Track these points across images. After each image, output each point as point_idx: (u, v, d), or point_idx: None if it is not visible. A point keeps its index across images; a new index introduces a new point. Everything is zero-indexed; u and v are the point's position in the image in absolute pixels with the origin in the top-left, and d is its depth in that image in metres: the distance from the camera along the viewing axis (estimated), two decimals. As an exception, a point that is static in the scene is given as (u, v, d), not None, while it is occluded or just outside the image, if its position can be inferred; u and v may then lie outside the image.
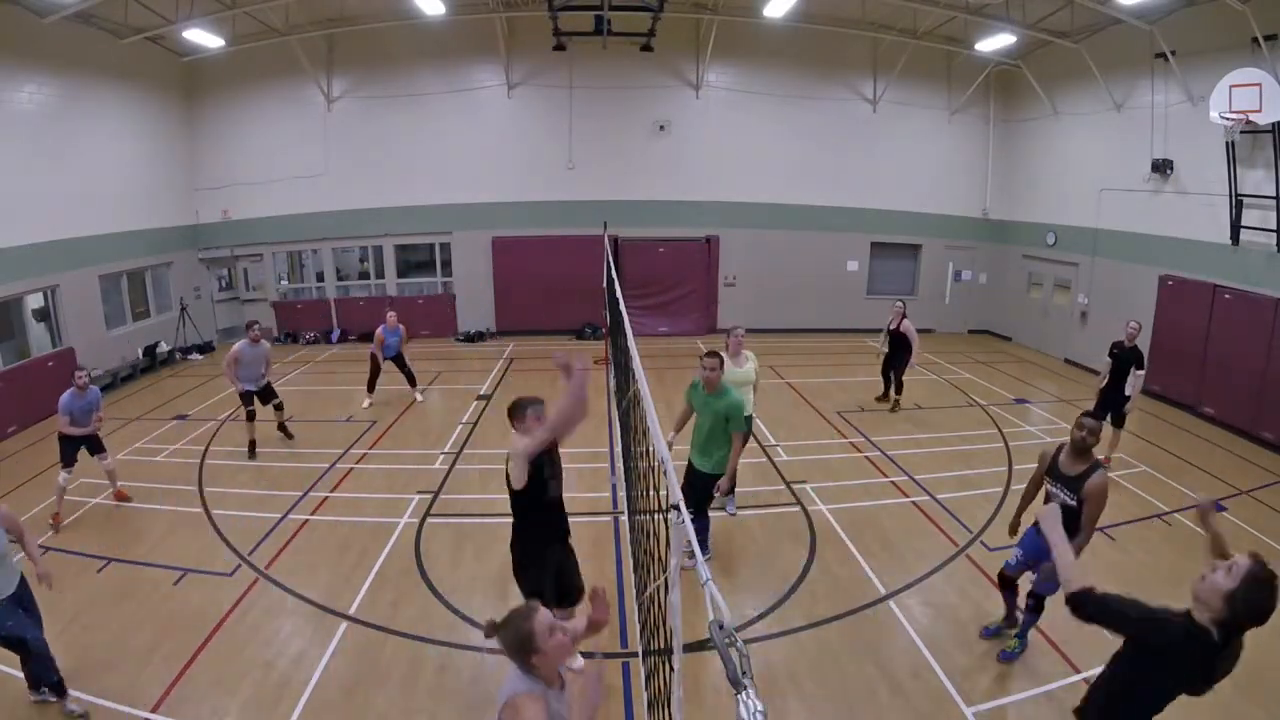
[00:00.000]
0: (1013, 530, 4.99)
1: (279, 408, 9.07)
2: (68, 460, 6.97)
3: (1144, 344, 11.44)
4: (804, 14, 13.15)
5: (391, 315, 10.63)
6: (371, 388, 10.69)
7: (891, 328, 10.31)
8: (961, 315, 16.38)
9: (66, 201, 11.21)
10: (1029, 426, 9.99)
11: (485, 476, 7.90)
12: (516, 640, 2.52)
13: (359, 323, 15.23)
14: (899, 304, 10.50)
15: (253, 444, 8.68)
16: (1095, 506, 4.22)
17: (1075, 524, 4.17)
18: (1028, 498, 4.84)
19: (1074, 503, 4.26)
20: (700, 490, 5.59)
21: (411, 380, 10.94)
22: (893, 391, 10.53)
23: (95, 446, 7.16)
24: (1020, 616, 4.94)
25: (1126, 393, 8.01)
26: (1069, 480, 4.34)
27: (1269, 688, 4.62)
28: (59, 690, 4.38)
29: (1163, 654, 2.70)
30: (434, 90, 14.57)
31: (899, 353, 10.28)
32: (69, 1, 10.02)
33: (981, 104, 15.47)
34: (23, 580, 4.34)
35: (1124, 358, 8.03)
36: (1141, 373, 8.01)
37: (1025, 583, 4.89)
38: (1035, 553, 4.62)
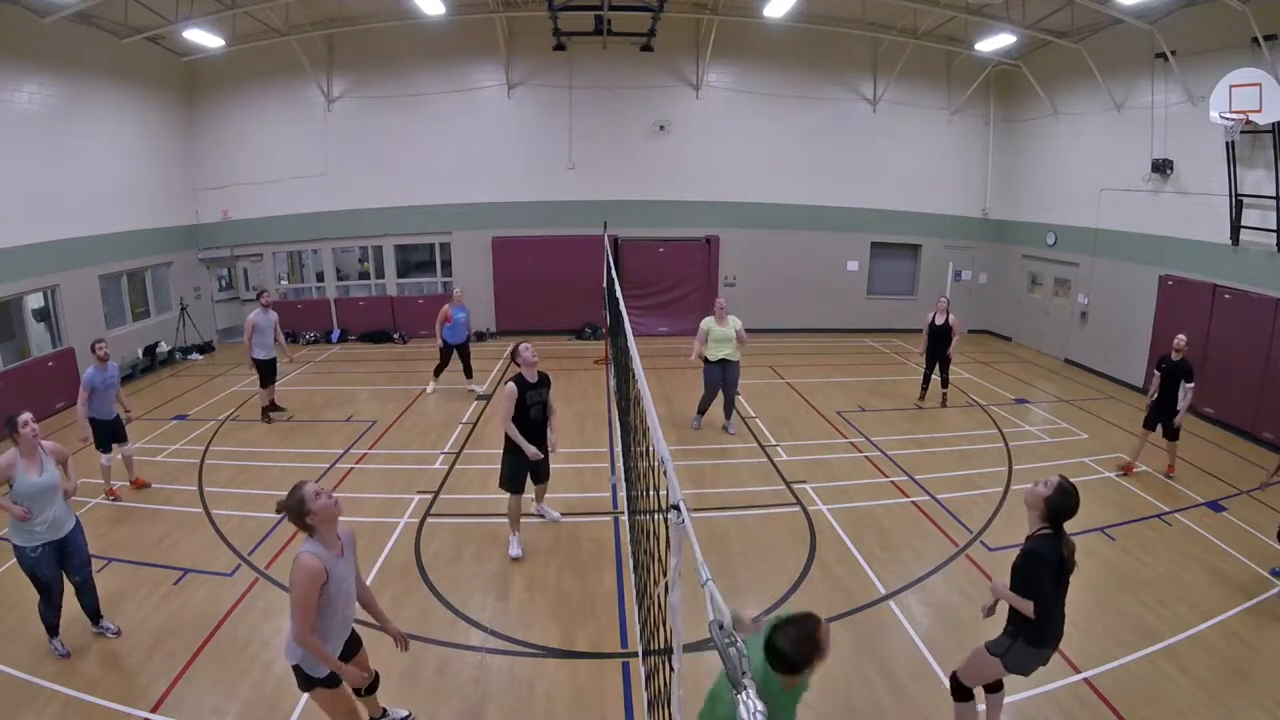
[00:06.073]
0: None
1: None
2: (102, 446, 7.34)
3: (1143, 344, 11.59)
4: (804, 14, 13.14)
5: (458, 292, 11.37)
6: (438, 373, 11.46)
7: (939, 322, 10.45)
8: (961, 315, 16.23)
9: (66, 201, 11.20)
10: (1029, 426, 9.99)
11: (485, 476, 7.90)
12: (295, 504, 3.35)
13: (359, 323, 15.26)
14: (944, 299, 10.82)
15: (272, 404, 10.12)
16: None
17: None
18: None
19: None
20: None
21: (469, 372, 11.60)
22: (939, 386, 10.81)
23: (119, 434, 7.47)
24: None
25: (1177, 406, 7.87)
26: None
27: (1269, 688, 4.63)
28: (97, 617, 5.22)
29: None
30: (434, 90, 14.57)
31: (944, 347, 10.45)
32: (69, 1, 10.01)
33: (981, 104, 15.47)
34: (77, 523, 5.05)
35: (1172, 371, 7.88)
36: (1190, 385, 7.83)
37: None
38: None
